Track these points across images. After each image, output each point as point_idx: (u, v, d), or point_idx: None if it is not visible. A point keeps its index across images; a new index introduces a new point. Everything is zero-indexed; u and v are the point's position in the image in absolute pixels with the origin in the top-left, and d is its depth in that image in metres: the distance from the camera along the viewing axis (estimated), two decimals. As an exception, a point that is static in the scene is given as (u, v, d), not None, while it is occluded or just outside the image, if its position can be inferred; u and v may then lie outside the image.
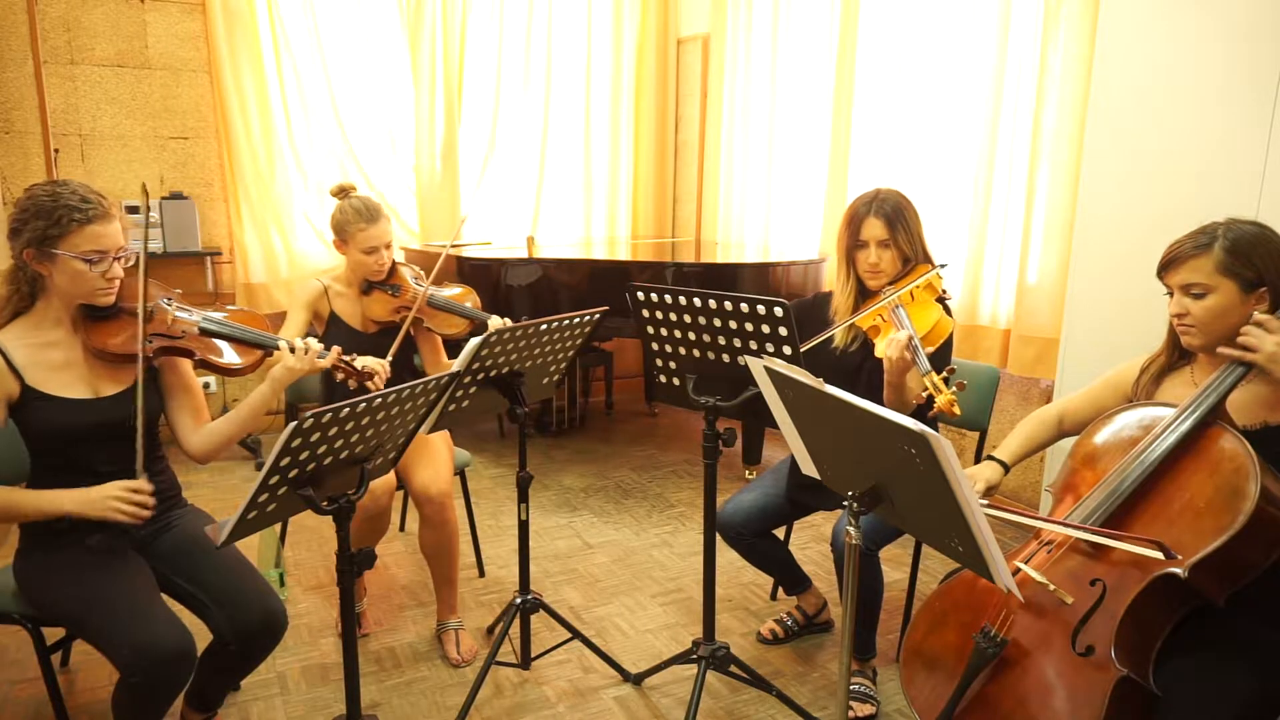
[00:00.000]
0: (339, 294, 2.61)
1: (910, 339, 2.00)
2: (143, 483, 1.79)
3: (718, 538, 2.26)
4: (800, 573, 2.62)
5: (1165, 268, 1.71)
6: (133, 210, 4.01)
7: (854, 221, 2.26)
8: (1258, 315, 1.59)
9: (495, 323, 2.54)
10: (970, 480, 1.81)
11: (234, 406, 2.06)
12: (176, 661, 1.70)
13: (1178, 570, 1.46)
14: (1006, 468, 1.96)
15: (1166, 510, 1.56)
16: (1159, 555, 1.46)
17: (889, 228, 2.21)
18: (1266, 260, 1.62)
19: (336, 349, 2.05)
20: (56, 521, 1.82)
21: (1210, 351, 1.70)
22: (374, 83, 4.56)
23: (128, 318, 1.88)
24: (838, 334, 2.29)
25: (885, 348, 2.05)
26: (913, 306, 2.16)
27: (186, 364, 2.00)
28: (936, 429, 2.20)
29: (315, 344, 2.00)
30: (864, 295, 2.32)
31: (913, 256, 2.25)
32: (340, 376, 2.10)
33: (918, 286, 2.18)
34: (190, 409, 2.02)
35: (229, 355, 1.98)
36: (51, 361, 1.81)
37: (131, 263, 1.87)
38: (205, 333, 1.96)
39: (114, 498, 1.75)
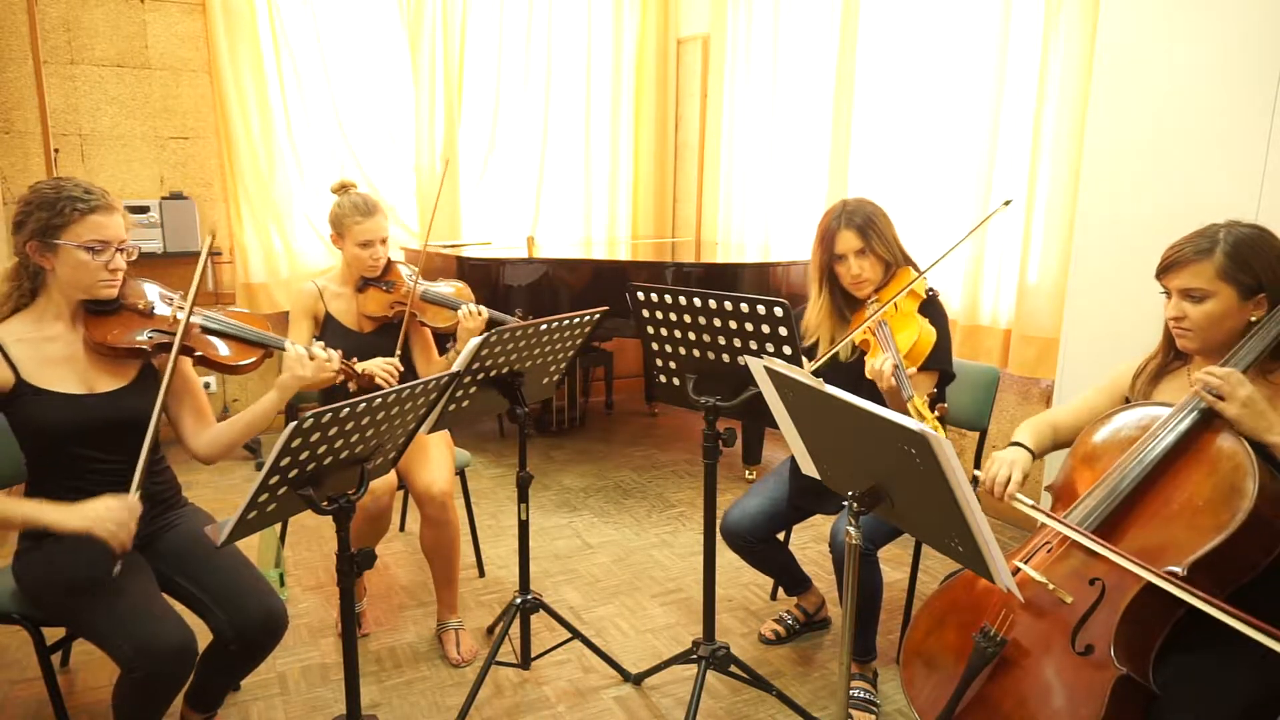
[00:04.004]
0: (335, 294, 2.62)
1: (894, 366, 1.99)
2: (134, 503, 1.73)
3: (718, 539, 2.26)
4: (801, 574, 2.62)
5: (1165, 270, 1.71)
6: (139, 210, 4.03)
7: (827, 237, 2.26)
8: (1218, 370, 1.57)
9: (467, 310, 2.53)
10: (1008, 467, 1.79)
11: (234, 407, 2.05)
12: (178, 657, 1.71)
13: (1176, 568, 1.46)
14: (1033, 453, 1.88)
15: (1165, 509, 1.56)
16: (1166, 585, 1.44)
17: (862, 237, 2.21)
18: (1266, 266, 1.62)
19: (338, 354, 2.02)
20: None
21: (1205, 354, 1.70)
22: (374, 82, 4.56)
23: (128, 314, 1.89)
24: (841, 349, 2.28)
25: (872, 375, 2.04)
26: (897, 319, 2.16)
27: (187, 364, 2.01)
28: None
29: (334, 353, 1.99)
30: (852, 305, 2.32)
31: (892, 261, 2.26)
32: (341, 378, 2.09)
33: (901, 297, 2.18)
34: (193, 410, 2.02)
35: (229, 352, 1.98)
36: (49, 355, 1.82)
37: (134, 257, 1.88)
38: (207, 331, 1.97)
39: (101, 518, 1.69)
